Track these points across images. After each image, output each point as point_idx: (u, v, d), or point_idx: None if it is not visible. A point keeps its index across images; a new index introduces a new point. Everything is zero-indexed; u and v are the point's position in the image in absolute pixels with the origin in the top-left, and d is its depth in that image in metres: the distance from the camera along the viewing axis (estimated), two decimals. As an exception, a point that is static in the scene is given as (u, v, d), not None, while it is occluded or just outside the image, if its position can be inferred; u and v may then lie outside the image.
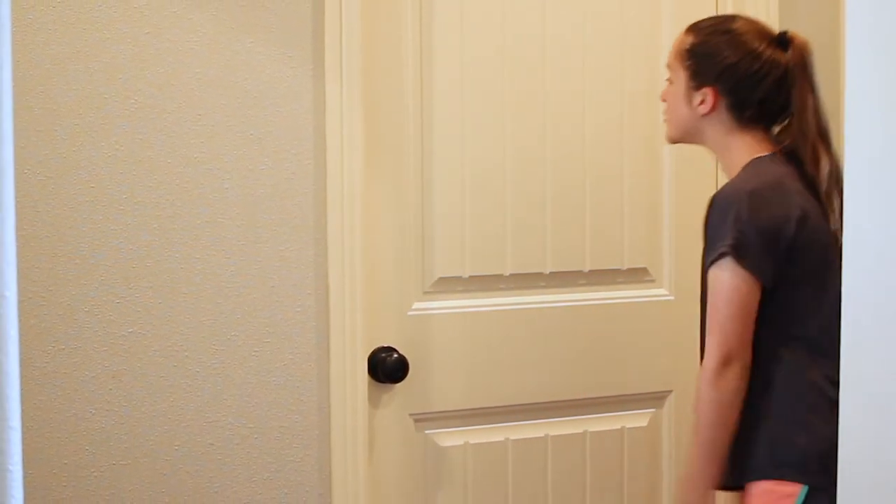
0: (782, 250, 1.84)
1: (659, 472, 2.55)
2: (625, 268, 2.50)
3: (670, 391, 2.54)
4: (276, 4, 2.10)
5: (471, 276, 2.36)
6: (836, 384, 1.83)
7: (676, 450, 2.52)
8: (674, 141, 2.07)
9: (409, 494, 2.32)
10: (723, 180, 2.52)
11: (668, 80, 2.03)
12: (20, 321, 0.92)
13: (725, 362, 1.81)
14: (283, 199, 2.13)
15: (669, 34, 2.49)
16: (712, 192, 2.52)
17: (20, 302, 0.94)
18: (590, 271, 2.46)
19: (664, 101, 2.05)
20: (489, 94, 2.35)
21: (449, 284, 2.35)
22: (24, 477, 0.93)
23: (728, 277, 1.82)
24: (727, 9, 2.52)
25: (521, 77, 2.37)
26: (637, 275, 2.52)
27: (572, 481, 2.47)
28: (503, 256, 2.38)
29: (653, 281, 2.53)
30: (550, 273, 2.43)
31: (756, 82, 1.93)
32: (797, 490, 1.83)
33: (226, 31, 2.07)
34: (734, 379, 1.81)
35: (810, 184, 1.90)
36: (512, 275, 2.39)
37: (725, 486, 1.94)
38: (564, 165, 2.42)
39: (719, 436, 1.83)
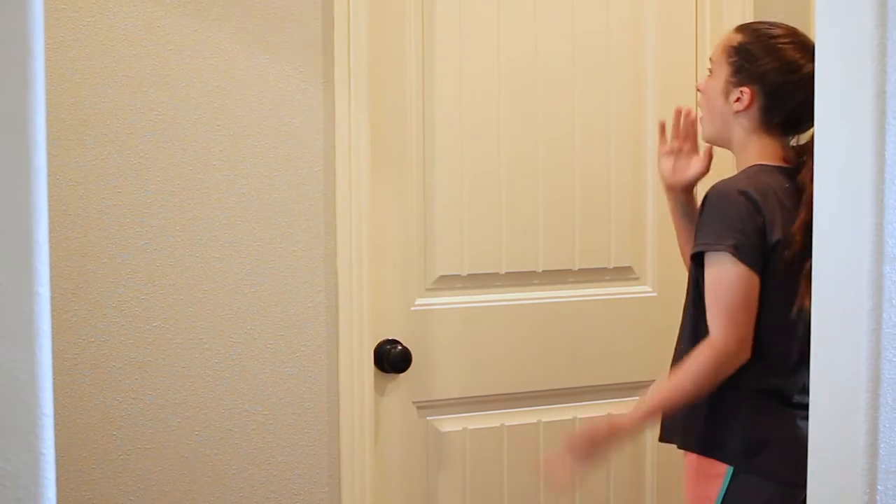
0: (765, 253, 1.82)
1: (642, 454, 2.55)
2: (611, 266, 2.50)
3: (653, 380, 2.53)
4: (288, 24, 2.10)
5: (469, 275, 2.36)
6: (779, 386, 1.86)
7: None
8: (709, 140, 2.01)
9: (411, 476, 2.33)
10: (702, 189, 2.53)
11: (708, 70, 1.98)
12: (52, 316, 0.92)
13: (737, 352, 1.79)
14: (295, 202, 2.13)
15: (653, 49, 2.50)
16: (692, 196, 2.54)
17: (52, 298, 0.94)
18: (579, 270, 2.46)
19: (700, 91, 2.00)
20: (486, 106, 2.35)
21: (449, 282, 2.35)
22: (56, 460, 0.93)
23: (734, 273, 1.79)
24: (706, 16, 2.52)
25: (515, 90, 2.37)
26: (623, 273, 2.52)
27: (563, 464, 2.47)
28: (499, 256, 2.38)
29: (637, 279, 2.53)
30: (543, 271, 2.43)
31: (791, 92, 1.88)
32: (723, 471, 1.85)
33: (243, 48, 2.07)
34: (734, 367, 1.80)
35: (797, 203, 1.86)
36: (507, 273, 2.39)
37: (666, 440, 1.98)
38: (556, 173, 2.42)
39: (690, 396, 1.81)
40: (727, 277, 1.80)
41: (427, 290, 2.32)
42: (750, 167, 1.90)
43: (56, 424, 0.95)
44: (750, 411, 1.85)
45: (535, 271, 2.42)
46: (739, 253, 1.79)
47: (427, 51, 2.28)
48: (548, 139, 2.41)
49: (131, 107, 1.99)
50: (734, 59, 1.92)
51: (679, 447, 1.96)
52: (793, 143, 1.97)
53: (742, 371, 1.84)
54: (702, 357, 1.81)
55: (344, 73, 2.14)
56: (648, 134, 2.51)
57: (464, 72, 2.32)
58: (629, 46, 2.48)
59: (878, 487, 1.45)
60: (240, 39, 2.06)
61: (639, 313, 2.52)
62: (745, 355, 1.81)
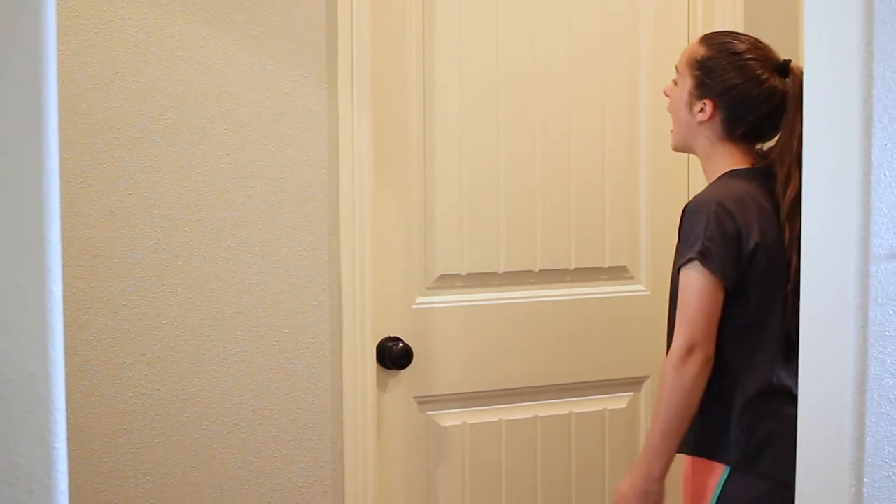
0: (744, 258, 1.83)
1: (636, 448, 2.55)
2: (606, 266, 2.50)
3: (647, 376, 2.54)
4: (294, 31, 2.10)
5: (469, 274, 2.36)
6: (771, 383, 1.85)
7: (652, 429, 2.52)
8: (676, 148, 2.02)
9: (412, 469, 2.32)
10: (694, 189, 2.54)
11: (674, 80, 1.99)
12: (65, 314, 0.92)
13: (689, 351, 1.80)
14: (300, 204, 2.13)
15: (646, 52, 2.50)
16: (683, 199, 2.54)
17: (65, 297, 0.94)
18: (575, 269, 2.46)
19: (667, 95, 2.01)
20: (485, 111, 2.35)
21: (449, 281, 2.35)
22: (68, 454, 0.93)
23: (696, 279, 1.82)
24: (697, 22, 2.52)
25: (513, 96, 2.37)
26: (617, 272, 2.52)
27: (559, 457, 2.47)
28: (497, 256, 2.38)
29: (631, 278, 2.53)
30: (540, 271, 2.43)
31: (753, 106, 1.89)
32: (722, 468, 1.85)
33: (250, 54, 2.07)
34: (695, 367, 1.81)
35: (775, 203, 1.87)
36: (505, 272, 2.39)
37: None
38: (552, 175, 2.42)
39: (678, 416, 1.82)
40: (691, 285, 1.82)
41: (428, 288, 2.32)
42: (721, 175, 1.91)
43: (68, 419, 0.95)
44: (754, 413, 1.84)
45: (532, 271, 2.42)
46: (705, 259, 1.80)
47: (427, 57, 2.28)
48: (545, 144, 2.41)
49: (141, 111, 1.99)
50: (697, 72, 1.93)
51: (677, 451, 1.95)
52: (757, 148, 1.98)
53: (741, 373, 1.84)
54: (667, 377, 1.82)
55: (347, 78, 2.14)
56: (642, 137, 2.51)
57: (463, 77, 2.32)
58: (623, 50, 2.48)
59: (865, 480, 1.45)
60: (246, 46, 2.06)
61: (633, 311, 2.52)
62: (703, 354, 1.81)
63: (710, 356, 1.82)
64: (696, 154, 2.00)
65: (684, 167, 2.55)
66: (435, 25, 2.29)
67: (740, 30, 2.48)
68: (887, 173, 1.42)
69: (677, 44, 2.53)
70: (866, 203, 1.42)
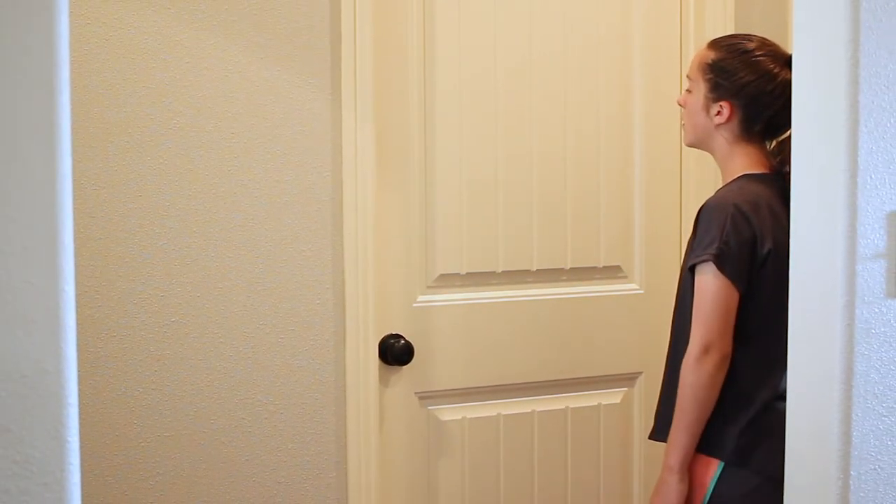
0: (757, 263, 1.81)
1: (630, 442, 2.55)
2: (601, 266, 2.50)
3: (640, 372, 2.54)
4: (299, 38, 2.10)
5: (468, 273, 2.36)
6: (770, 384, 1.85)
7: (645, 423, 2.51)
8: (690, 145, 2.00)
9: (414, 462, 2.32)
10: (687, 192, 2.54)
11: (687, 89, 1.97)
12: (77, 312, 0.92)
13: (705, 351, 1.79)
14: (304, 205, 2.13)
15: (639, 58, 2.50)
16: (676, 201, 2.54)
17: (78, 295, 0.94)
18: (571, 269, 2.46)
19: (681, 105, 1.98)
20: (484, 115, 2.34)
21: (449, 280, 2.35)
22: (81, 447, 0.93)
23: (710, 281, 1.79)
24: (689, 28, 2.52)
25: (511, 100, 2.37)
26: (612, 272, 2.52)
27: (555, 451, 2.47)
28: (496, 256, 2.38)
29: (625, 277, 2.53)
30: (537, 270, 2.43)
31: (769, 101, 1.87)
32: (716, 463, 1.84)
33: (256, 61, 2.07)
34: (712, 365, 1.79)
35: (788, 207, 1.86)
36: (504, 272, 2.39)
37: (656, 438, 1.95)
38: (549, 177, 2.42)
39: (695, 413, 1.81)
40: (705, 286, 1.80)
41: (428, 287, 2.32)
42: (738, 178, 1.89)
43: (80, 414, 0.95)
44: (752, 411, 1.83)
45: (529, 270, 2.42)
46: (720, 262, 1.78)
47: (427, 63, 2.28)
48: (541, 146, 2.41)
49: (151, 116, 1.99)
50: (710, 75, 1.91)
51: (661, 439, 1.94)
52: (771, 147, 1.97)
53: (744, 374, 1.83)
54: (685, 377, 1.81)
55: (350, 83, 2.14)
56: (636, 140, 2.51)
57: (462, 83, 2.32)
58: (617, 52, 2.48)
59: (852, 473, 1.45)
60: (252, 53, 2.06)
61: (626, 309, 2.52)
62: (719, 352, 1.80)
63: (725, 354, 1.80)
64: (711, 154, 1.98)
65: (677, 170, 2.55)
66: (435, 32, 2.29)
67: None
68: (873, 176, 1.42)
69: (670, 47, 2.53)
70: (853, 205, 1.42)
